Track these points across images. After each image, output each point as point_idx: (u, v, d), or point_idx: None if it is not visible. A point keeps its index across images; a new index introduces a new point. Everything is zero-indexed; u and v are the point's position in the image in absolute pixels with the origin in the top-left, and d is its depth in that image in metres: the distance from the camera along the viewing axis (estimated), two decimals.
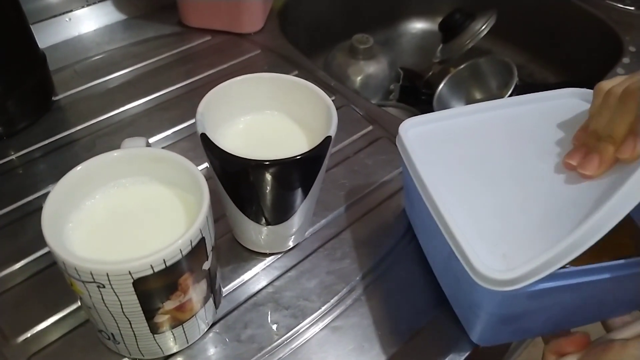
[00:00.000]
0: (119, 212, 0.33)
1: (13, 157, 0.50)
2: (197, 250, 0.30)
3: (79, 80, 0.58)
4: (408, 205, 0.45)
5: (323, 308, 0.40)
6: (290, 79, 0.38)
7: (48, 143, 0.51)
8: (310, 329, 0.38)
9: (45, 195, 0.46)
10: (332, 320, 0.39)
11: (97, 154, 0.50)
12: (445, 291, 0.40)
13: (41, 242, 0.42)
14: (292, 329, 0.38)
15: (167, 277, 0.29)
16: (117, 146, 0.51)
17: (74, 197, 0.32)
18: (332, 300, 0.40)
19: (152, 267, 0.28)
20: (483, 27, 0.69)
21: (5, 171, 0.49)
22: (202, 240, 0.30)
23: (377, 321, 0.39)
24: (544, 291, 0.30)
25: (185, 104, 0.56)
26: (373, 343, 0.38)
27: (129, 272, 0.28)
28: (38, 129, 0.52)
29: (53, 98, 0.55)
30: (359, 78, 0.73)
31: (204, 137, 0.34)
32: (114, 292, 0.29)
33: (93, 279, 0.28)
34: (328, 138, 0.34)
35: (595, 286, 0.32)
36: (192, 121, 0.55)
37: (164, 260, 0.28)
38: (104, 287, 0.28)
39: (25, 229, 0.44)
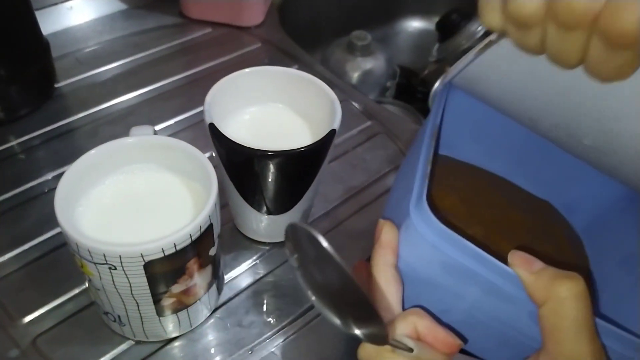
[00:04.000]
0: (127, 198, 0.34)
1: (14, 143, 0.50)
2: (205, 236, 0.31)
3: (80, 68, 0.59)
4: None
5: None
6: (296, 72, 0.39)
7: (50, 130, 0.51)
8: (309, 316, 0.40)
9: (47, 181, 0.47)
10: None
11: (100, 142, 0.51)
12: None
13: (43, 226, 0.43)
14: (291, 316, 0.39)
15: (176, 260, 0.30)
16: (120, 134, 0.51)
17: (85, 181, 0.33)
18: None
19: (163, 251, 0.29)
20: (479, 28, 0.71)
21: (7, 157, 0.49)
22: (211, 227, 0.32)
23: None
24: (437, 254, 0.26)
25: (186, 95, 0.57)
26: None
27: (141, 254, 0.29)
28: (40, 116, 0.53)
29: (55, 85, 0.56)
30: (356, 74, 0.74)
31: (211, 126, 0.35)
32: (125, 274, 0.30)
33: (105, 260, 0.29)
34: (332, 131, 0.35)
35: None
36: (194, 111, 0.56)
37: (174, 244, 0.29)
38: (115, 268, 0.29)
39: (27, 214, 0.45)
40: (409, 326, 0.27)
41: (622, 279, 0.31)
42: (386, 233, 0.29)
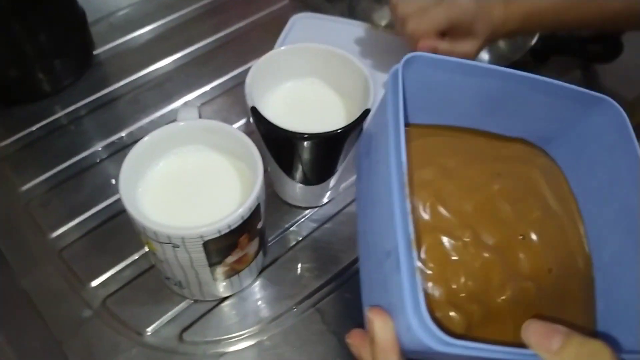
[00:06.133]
0: (180, 178, 0.37)
1: (62, 114, 0.53)
2: (254, 214, 0.35)
3: (114, 33, 0.60)
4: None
5: (358, 257, 0.44)
6: (330, 50, 0.41)
7: (94, 99, 0.54)
8: (347, 274, 0.44)
9: (97, 152, 0.50)
10: None
11: (142, 110, 0.54)
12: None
13: (99, 196, 0.47)
14: (330, 274, 0.43)
15: (230, 238, 0.34)
16: (160, 102, 0.55)
17: (141, 165, 0.36)
18: None
19: (219, 231, 0.32)
20: None
21: (57, 128, 0.52)
22: (259, 206, 0.35)
23: None
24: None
25: (219, 59, 0.59)
26: None
27: (201, 236, 0.32)
28: (83, 85, 0.55)
29: (94, 52, 0.58)
30: (384, 24, 0.73)
31: (254, 110, 0.37)
32: (187, 251, 0.33)
33: (170, 241, 0.32)
34: (366, 111, 0.37)
35: None
36: (227, 76, 0.58)
37: (228, 225, 0.33)
38: (178, 247, 0.33)
39: (83, 184, 0.48)
40: None
41: (622, 238, 0.30)
42: (380, 331, 0.26)
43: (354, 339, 0.29)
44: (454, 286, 0.29)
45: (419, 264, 0.29)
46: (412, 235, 0.24)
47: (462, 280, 0.30)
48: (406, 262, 0.24)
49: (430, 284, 0.29)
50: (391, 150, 0.27)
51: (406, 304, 0.23)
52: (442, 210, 0.31)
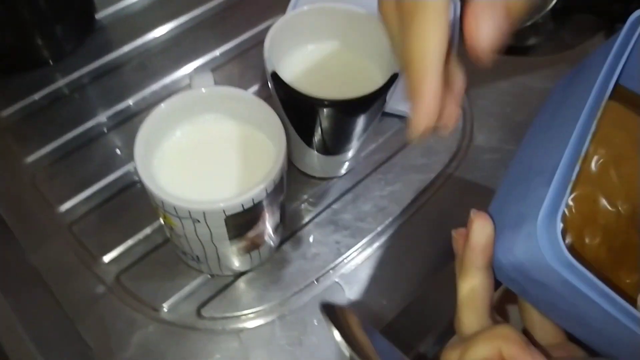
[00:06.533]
0: (198, 148, 0.35)
1: (64, 82, 0.50)
2: (278, 187, 0.33)
3: None
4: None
5: (379, 229, 0.43)
6: (352, 10, 0.38)
7: (99, 66, 0.51)
8: (368, 247, 0.42)
9: (103, 122, 0.48)
10: (387, 240, 0.43)
11: (151, 76, 0.51)
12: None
13: (107, 168, 0.45)
14: (351, 248, 0.42)
15: (253, 212, 0.32)
16: (169, 67, 0.52)
17: (157, 135, 0.34)
18: (386, 222, 0.43)
19: (242, 206, 0.31)
20: None
21: (60, 96, 0.49)
22: (282, 178, 0.33)
23: (429, 241, 0.42)
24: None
25: (226, 22, 0.56)
26: (423, 262, 0.42)
27: (223, 210, 0.30)
28: (85, 51, 0.52)
29: (95, 16, 0.55)
30: None
31: (274, 76, 0.35)
32: (207, 226, 0.32)
33: (190, 215, 0.31)
34: (395, 76, 0.35)
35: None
36: (237, 41, 0.55)
37: (252, 199, 0.31)
38: (199, 222, 0.31)
39: (90, 155, 0.46)
40: (492, 350, 0.24)
41: None
42: (476, 233, 0.27)
43: (459, 233, 0.30)
44: (587, 241, 0.28)
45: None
46: (583, 153, 0.24)
47: (598, 242, 0.28)
48: (563, 172, 0.23)
49: (562, 225, 0.27)
50: (597, 77, 0.26)
51: (543, 208, 0.22)
52: (613, 173, 0.29)
